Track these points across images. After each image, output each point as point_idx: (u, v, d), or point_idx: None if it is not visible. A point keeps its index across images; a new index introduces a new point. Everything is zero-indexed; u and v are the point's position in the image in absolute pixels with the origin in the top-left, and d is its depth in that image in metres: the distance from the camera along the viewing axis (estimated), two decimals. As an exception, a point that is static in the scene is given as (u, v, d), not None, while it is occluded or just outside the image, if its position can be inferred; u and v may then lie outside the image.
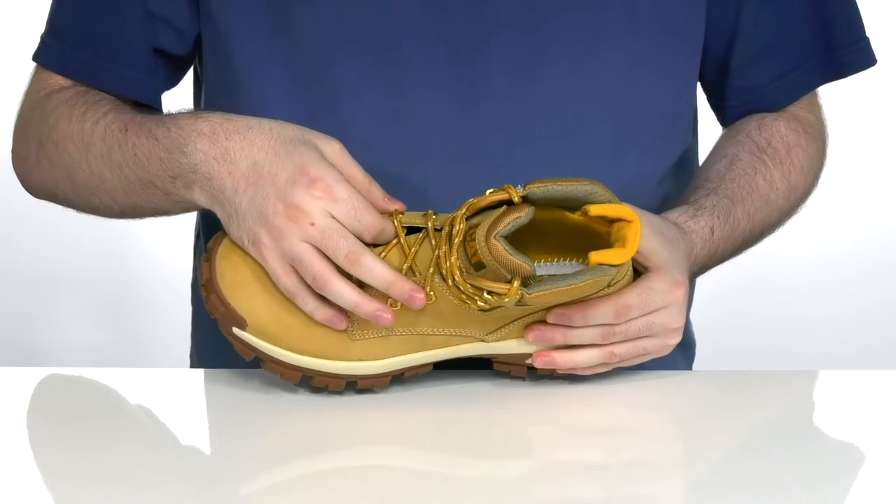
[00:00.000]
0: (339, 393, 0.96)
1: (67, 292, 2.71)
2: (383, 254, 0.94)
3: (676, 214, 1.07)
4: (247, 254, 0.95)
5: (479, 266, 0.91)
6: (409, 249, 0.94)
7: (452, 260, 0.91)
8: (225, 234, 0.97)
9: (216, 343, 1.16)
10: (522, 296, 0.90)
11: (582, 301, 0.94)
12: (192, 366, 1.25)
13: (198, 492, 0.82)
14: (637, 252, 0.95)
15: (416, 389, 0.99)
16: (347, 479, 0.84)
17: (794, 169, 1.16)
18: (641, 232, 0.92)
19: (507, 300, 0.90)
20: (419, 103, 1.07)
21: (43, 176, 1.12)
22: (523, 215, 0.90)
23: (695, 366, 1.23)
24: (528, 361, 0.98)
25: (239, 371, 1.03)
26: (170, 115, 1.03)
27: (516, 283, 0.90)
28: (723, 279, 1.30)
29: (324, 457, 0.89)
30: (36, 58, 1.15)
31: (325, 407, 0.96)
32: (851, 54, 1.18)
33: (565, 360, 0.97)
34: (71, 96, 1.11)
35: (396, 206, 0.96)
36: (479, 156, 1.08)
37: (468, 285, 0.91)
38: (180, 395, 1.01)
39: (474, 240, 0.90)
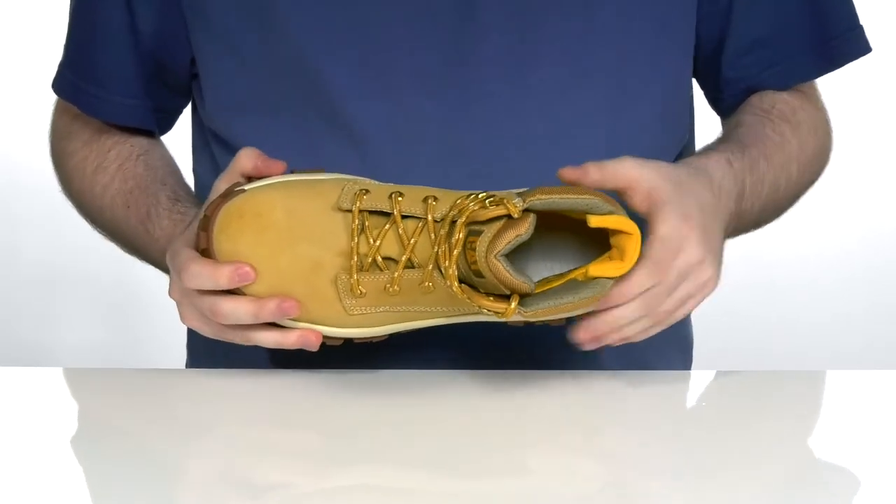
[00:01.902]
0: (338, 347, 0.97)
1: (68, 292, 2.71)
2: (378, 241, 0.94)
3: (684, 160, 1.05)
4: (244, 226, 0.95)
5: (479, 272, 0.90)
6: (408, 240, 0.93)
7: (451, 272, 0.90)
8: (222, 202, 0.96)
9: (211, 351, 1.17)
10: (520, 313, 0.90)
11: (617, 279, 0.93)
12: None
13: (197, 492, 0.82)
14: (642, 188, 0.94)
15: (415, 398, 0.99)
16: (346, 489, 0.84)
17: (801, 128, 1.15)
18: (640, 245, 0.92)
19: (503, 319, 0.90)
20: (412, 108, 1.07)
21: (73, 205, 1.24)
22: (524, 233, 0.89)
23: (693, 366, 1.23)
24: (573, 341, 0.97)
25: (240, 371, 1.03)
26: (157, 201, 1.13)
27: (513, 304, 0.89)
28: (722, 279, 1.30)
29: (323, 464, 0.88)
30: (52, 86, 1.22)
31: (327, 410, 0.96)
32: (846, 43, 1.18)
33: (614, 339, 0.96)
34: (85, 140, 1.20)
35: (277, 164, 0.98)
36: (473, 158, 1.08)
37: (465, 297, 0.90)
38: (180, 395, 1.01)
39: (474, 249, 0.89)
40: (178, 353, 1.26)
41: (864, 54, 1.18)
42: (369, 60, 1.08)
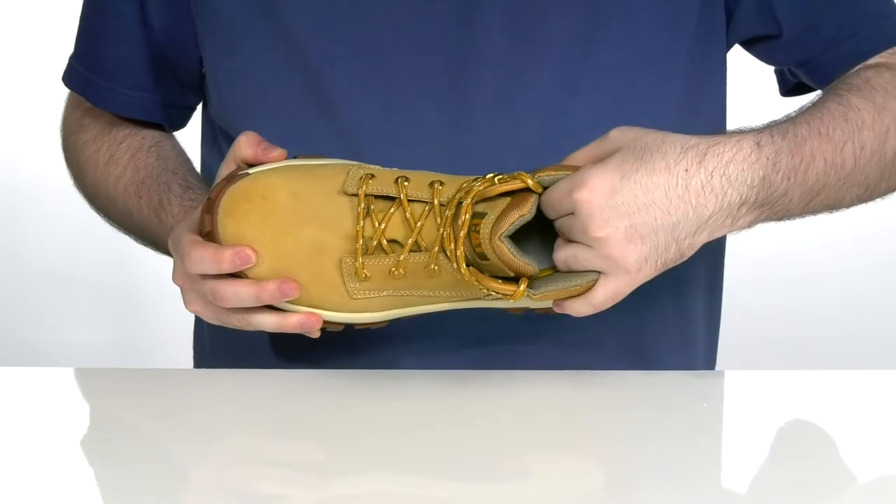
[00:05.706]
0: (338, 332, 0.97)
1: (68, 292, 2.71)
2: (384, 224, 0.94)
3: (687, 136, 0.95)
4: (250, 209, 0.95)
5: (483, 255, 0.91)
6: (415, 223, 0.93)
7: (458, 254, 0.91)
8: (226, 185, 0.96)
9: (215, 351, 1.16)
10: (529, 296, 0.90)
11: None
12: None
13: (197, 492, 0.82)
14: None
15: (417, 399, 0.99)
16: (349, 497, 0.84)
17: (876, 94, 1.05)
18: None
19: (512, 301, 0.90)
20: (411, 110, 1.07)
21: (86, 199, 1.25)
22: (527, 213, 0.90)
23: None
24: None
25: (241, 371, 1.03)
26: (169, 189, 1.13)
27: (523, 287, 0.90)
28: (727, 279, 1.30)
29: (327, 470, 0.88)
30: (63, 79, 1.24)
31: (332, 412, 0.96)
32: None
33: None
34: (97, 133, 1.21)
35: (275, 152, 0.98)
36: (473, 161, 1.07)
37: (473, 279, 0.91)
38: (180, 395, 1.01)
39: (478, 231, 0.90)
40: (178, 353, 1.27)
41: None
42: (370, 62, 1.08)
